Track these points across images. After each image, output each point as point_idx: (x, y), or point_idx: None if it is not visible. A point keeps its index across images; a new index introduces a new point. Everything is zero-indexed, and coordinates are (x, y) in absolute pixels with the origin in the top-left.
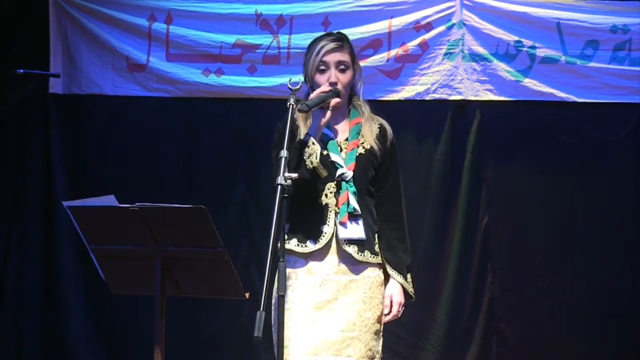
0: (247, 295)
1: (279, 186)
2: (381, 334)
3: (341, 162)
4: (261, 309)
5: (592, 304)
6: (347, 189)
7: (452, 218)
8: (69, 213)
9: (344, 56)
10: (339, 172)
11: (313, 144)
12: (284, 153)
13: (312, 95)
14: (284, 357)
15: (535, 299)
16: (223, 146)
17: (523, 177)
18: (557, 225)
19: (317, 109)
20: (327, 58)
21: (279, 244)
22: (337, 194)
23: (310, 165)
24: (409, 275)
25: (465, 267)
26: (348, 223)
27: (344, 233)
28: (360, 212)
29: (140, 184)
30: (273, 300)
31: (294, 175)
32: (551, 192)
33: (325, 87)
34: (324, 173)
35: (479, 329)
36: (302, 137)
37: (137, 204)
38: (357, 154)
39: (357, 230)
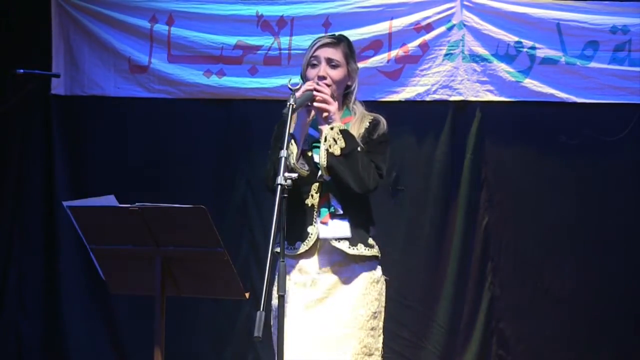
0: (247, 295)
1: (279, 186)
2: (380, 331)
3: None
4: (261, 309)
5: (591, 304)
6: (327, 189)
7: (452, 218)
8: (69, 213)
9: (336, 54)
10: (319, 173)
11: (292, 144)
12: (284, 153)
13: (297, 94)
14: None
15: (535, 299)
16: (224, 147)
17: (523, 177)
18: (557, 225)
19: (303, 108)
20: (319, 52)
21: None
22: (321, 195)
23: (290, 166)
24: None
25: (465, 267)
26: (330, 222)
27: (325, 232)
28: (342, 212)
29: (141, 184)
30: (274, 301)
31: (294, 175)
32: (551, 192)
33: (310, 85)
34: (303, 173)
35: (479, 329)
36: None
37: (137, 204)
38: None
39: (340, 227)
